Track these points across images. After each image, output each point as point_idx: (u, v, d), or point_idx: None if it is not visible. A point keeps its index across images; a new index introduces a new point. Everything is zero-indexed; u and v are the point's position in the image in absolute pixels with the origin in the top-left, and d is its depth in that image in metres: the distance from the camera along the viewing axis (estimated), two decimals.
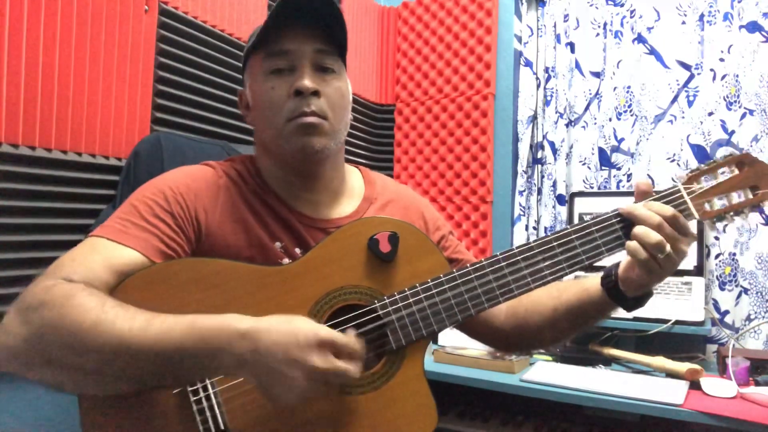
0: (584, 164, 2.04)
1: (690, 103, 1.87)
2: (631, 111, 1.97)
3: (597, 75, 2.04)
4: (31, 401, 1.19)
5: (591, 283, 0.86)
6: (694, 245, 1.74)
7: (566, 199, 2.05)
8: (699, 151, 1.83)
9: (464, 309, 0.79)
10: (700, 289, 1.68)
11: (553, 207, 2.09)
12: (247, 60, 0.91)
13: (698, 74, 1.86)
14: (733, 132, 1.77)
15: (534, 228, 2.14)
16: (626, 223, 0.80)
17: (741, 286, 1.73)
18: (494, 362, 1.57)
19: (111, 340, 0.64)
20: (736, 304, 1.73)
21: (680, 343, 1.70)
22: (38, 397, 1.19)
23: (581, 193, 1.98)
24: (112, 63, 1.30)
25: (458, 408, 1.74)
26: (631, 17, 1.97)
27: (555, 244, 0.81)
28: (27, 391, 1.18)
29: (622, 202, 0.82)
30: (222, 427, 0.72)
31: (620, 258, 0.83)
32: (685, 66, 1.89)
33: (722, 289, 1.76)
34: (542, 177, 2.14)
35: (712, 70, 1.82)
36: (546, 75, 2.16)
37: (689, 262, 1.73)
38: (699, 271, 1.73)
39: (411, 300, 0.78)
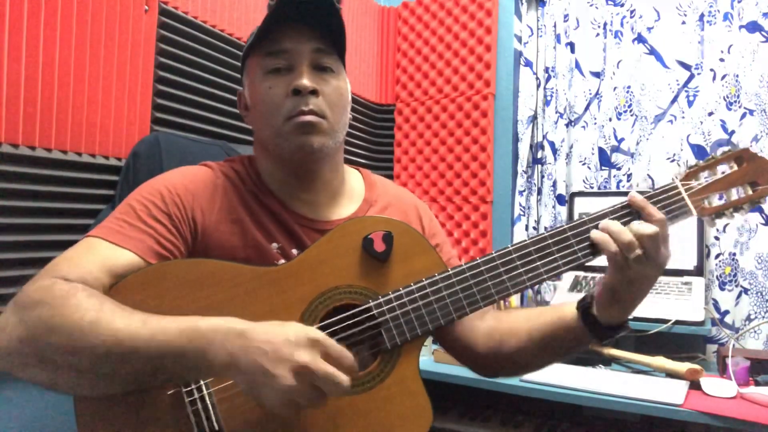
0: (584, 164, 2.04)
1: (690, 103, 1.87)
2: (631, 111, 1.97)
3: (597, 75, 2.04)
4: (28, 402, 1.19)
5: (568, 307, 0.84)
6: (694, 245, 1.74)
7: (566, 199, 2.05)
8: (699, 151, 1.83)
9: (459, 308, 0.79)
10: (700, 289, 1.68)
11: (553, 207, 2.09)
12: (245, 60, 0.91)
13: (698, 74, 1.86)
14: (733, 132, 1.77)
15: (534, 228, 2.14)
16: (624, 220, 0.79)
17: (741, 286, 1.73)
18: None
19: (107, 338, 0.64)
20: (736, 304, 1.73)
21: (680, 343, 1.70)
22: (35, 398, 1.19)
23: (581, 193, 1.98)
24: (112, 63, 1.30)
25: (458, 408, 1.74)
26: (631, 17, 1.97)
27: (551, 241, 0.80)
28: (24, 392, 1.18)
29: (622, 201, 0.81)
30: (216, 428, 0.72)
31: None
32: (685, 66, 1.89)
33: (722, 289, 1.76)
34: (542, 177, 2.14)
35: (712, 70, 1.82)
36: (546, 75, 2.16)
37: (689, 262, 1.73)
38: (699, 271, 1.73)
39: (406, 299, 0.78)
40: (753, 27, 1.76)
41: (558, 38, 2.12)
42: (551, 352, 0.88)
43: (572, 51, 2.08)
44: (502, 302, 1.57)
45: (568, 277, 1.88)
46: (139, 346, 0.64)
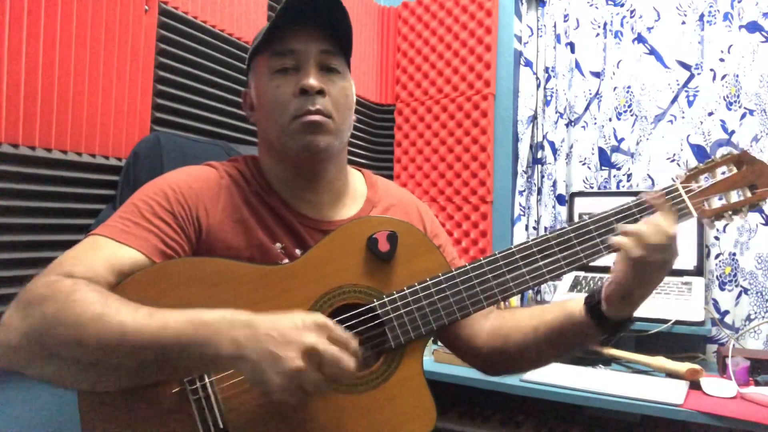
0: (584, 164, 2.04)
1: (690, 103, 1.87)
2: (631, 111, 1.97)
3: (597, 75, 2.04)
4: (31, 402, 1.19)
5: (574, 303, 0.85)
6: (694, 245, 1.74)
7: (566, 199, 2.05)
8: (699, 151, 1.83)
9: (463, 307, 0.79)
10: (700, 289, 1.68)
11: (553, 207, 2.09)
12: (251, 60, 0.91)
13: (698, 74, 1.86)
14: (733, 132, 1.77)
15: (534, 228, 2.14)
16: (625, 221, 0.79)
17: (741, 286, 1.73)
18: None
19: (112, 331, 0.64)
20: (736, 304, 1.73)
21: (680, 343, 1.70)
22: (38, 397, 1.19)
23: (581, 193, 1.98)
24: (112, 63, 1.30)
25: (458, 408, 1.74)
26: (631, 17, 1.98)
27: (554, 242, 0.81)
28: (27, 391, 1.18)
29: (622, 202, 0.82)
30: (221, 426, 0.72)
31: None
32: (685, 66, 1.89)
33: (722, 289, 1.76)
34: (542, 177, 2.14)
35: (712, 70, 1.82)
36: (546, 75, 2.16)
37: (689, 262, 1.73)
38: (699, 271, 1.73)
39: (410, 299, 0.79)
40: (753, 27, 1.76)
41: (558, 38, 2.12)
42: (557, 348, 0.88)
43: (572, 51, 2.08)
44: (502, 302, 1.57)
45: (568, 277, 1.88)
46: (144, 338, 0.65)
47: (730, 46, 1.79)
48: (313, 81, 0.82)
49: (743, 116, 1.76)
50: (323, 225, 0.89)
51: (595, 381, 1.43)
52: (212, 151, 1.36)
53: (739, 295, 1.73)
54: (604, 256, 0.81)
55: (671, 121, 1.90)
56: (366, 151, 2.31)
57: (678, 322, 1.57)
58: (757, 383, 1.41)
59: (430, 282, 0.79)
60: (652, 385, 1.39)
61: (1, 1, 1.07)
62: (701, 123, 1.83)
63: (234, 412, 0.73)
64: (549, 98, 2.15)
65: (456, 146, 2.21)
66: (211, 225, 0.83)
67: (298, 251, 0.86)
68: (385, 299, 0.78)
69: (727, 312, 1.74)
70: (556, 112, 2.11)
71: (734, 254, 1.75)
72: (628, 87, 1.97)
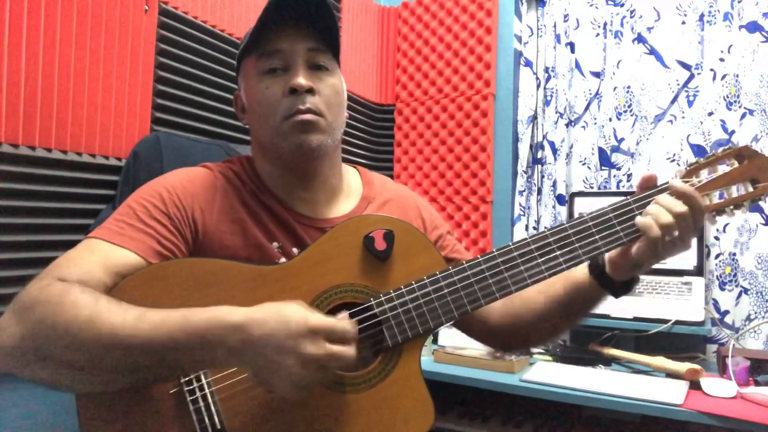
0: (584, 164, 2.04)
1: (690, 103, 1.87)
2: (631, 111, 1.97)
3: (597, 75, 2.04)
4: (30, 402, 1.19)
5: (578, 272, 0.86)
6: (694, 245, 1.73)
7: (566, 199, 2.05)
8: (699, 151, 1.83)
9: (460, 306, 0.79)
10: (700, 289, 1.68)
11: (553, 207, 2.09)
12: (240, 63, 0.91)
13: (698, 74, 1.86)
14: (733, 132, 1.77)
15: (534, 228, 2.14)
16: (624, 217, 0.80)
17: (741, 286, 1.73)
18: (494, 362, 1.57)
19: (104, 334, 0.64)
20: (736, 304, 1.73)
21: (680, 343, 1.70)
22: (37, 397, 1.19)
23: (581, 193, 1.98)
24: (112, 63, 1.30)
25: (458, 408, 1.74)
26: (631, 17, 1.97)
27: (551, 239, 0.81)
28: (26, 392, 1.18)
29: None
30: (218, 426, 0.72)
31: None
32: (685, 66, 1.88)
33: (722, 289, 1.76)
34: (542, 177, 2.14)
35: (712, 70, 1.82)
36: (546, 75, 2.16)
37: (689, 262, 1.73)
38: (699, 271, 1.73)
39: (407, 297, 0.78)
40: (753, 27, 1.76)
41: (558, 38, 2.12)
42: (568, 318, 0.90)
43: (572, 51, 2.08)
44: None
45: None
46: (135, 341, 0.64)
47: (730, 46, 1.79)
48: (301, 80, 0.82)
49: (743, 116, 1.76)
50: (320, 223, 0.89)
51: (595, 381, 1.43)
52: (212, 151, 1.36)
53: (739, 295, 1.73)
54: (604, 253, 0.81)
55: (671, 121, 1.90)
56: (366, 151, 2.31)
57: (678, 322, 1.57)
58: (757, 383, 1.41)
59: (427, 281, 0.79)
60: (652, 385, 1.39)
61: (1, 1, 1.07)
62: (701, 123, 1.83)
63: (231, 412, 0.73)
64: (549, 98, 2.15)
65: (456, 146, 2.21)
66: (207, 225, 0.83)
67: (295, 250, 0.86)
68: (382, 298, 0.78)
69: (727, 312, 1.74)
70: (556, 112, 2.11)
71: (734, 254, 1.75)
72: (628, 87, 1.97)
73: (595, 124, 2.03)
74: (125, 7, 1.32)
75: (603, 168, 2.02)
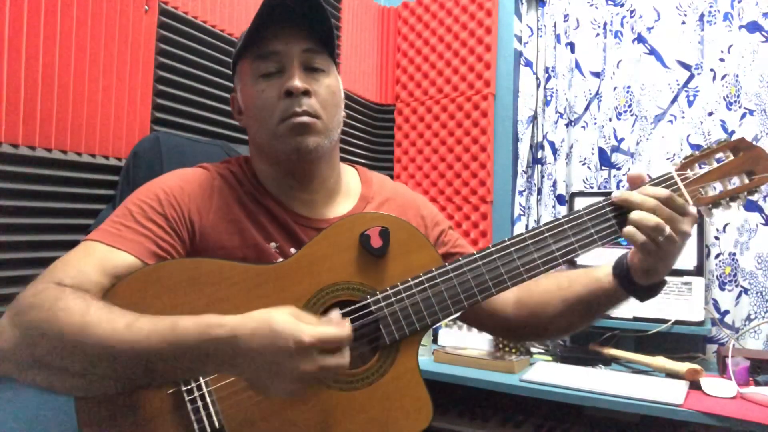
0: (584, 164, 2.04)
1: (690, 103, 1.87)
2: (631, 111, 1.97)
3: (597, 75, 2.04)
4: (31, 402, 1.19)
5: (602, 272, 0.85)
6: (694, 245, 1.74)
7: (566, 199, 2.05)
8: None
9: (457, 302, 0.79)
10: (700, 289, 1.68)
11: (553, 207, 2.09)
12: (236, 65, 0.91)
13: (698, 74, 1.86)
14: (733, 132, 1.77)
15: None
16: (620, 210, 0.80)
17: (741, 286, 1.73)
18: (494, 362, 1.57)
19: (94, 343, 0.64)
20: (736, 304, 1.73)
21: (680, 343, 1.70)
22: (38, 397, 1.19)
23: (581, 193, 1.98)
24: (112, 63, 1.30)
25: (458, 408, 1.74)
26: (631, 17, 1.97)
27: (548, 234, 0.81)
28: (27, 391, 1.18)
29: (620, 192, 0.81)
30: (217, 426, 0.72)
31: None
32: (685, 66, 1.88)
33: (722, 289, 1.76)
34: (542, 177, 2.14)
35: (712, 70, 1.82)
36: (546, 75, 2.16)
37: (689, 261, 1.73)
38: (699, 271, 1.73)
39: (403, 294, 0.78)
40: (753, 27, 1.76)
41: (558, 38, 2.12)
42: (588, 316, 0.89)
43: (572, 51, 2.08)
44: None
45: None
46: (124, 352, 0.64)
47: (730, 46, 1.79)
48: (297, 82, 0.82)
49: (743, 116, 1.76)
50: (317, 223, 0.89)
51: (595, 381, 1.43)
52: (212, 151, 1.36)
53: (739, 295, 1.73)
54: (599, 247, 0.81)
55: (671, 121, 1.90)
56: (366, 151, 2.31)
57: (678, 322, 1.57)
58: (757, 383, 1.41)
59: (423, 277, 0.79)
60: (652, 385, 1.39)
61: (1, 1, 1.07)
62: (701, 123, 1.83)
63: (230, 412, 0.73)
64: (549, 98, 2.15)
65: (456, 146, 2.21)
66: (205, 226, 0.83)
67: (293, 250, 0.86)
68: (379, 295, 0.78)
69: (727, 312, 1.74)
70: (556, 112, 2.11)
71: (734, 254, 1.75)
72: (628, 87, 1.97)
73: (595, 124, 2.03)
74: (125, 7, 1.32)
75: (603, 168, 2.02)
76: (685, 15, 1.89)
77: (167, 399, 0.72)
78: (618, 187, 1.98)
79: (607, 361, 1.63)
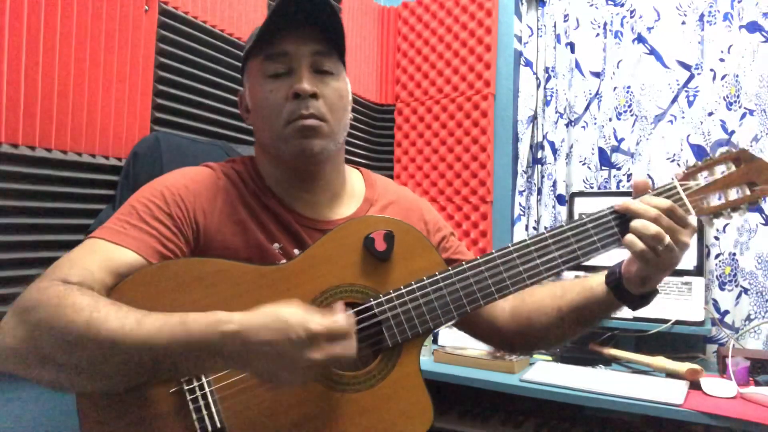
0: (584, 164, 2.04)
1: (690, 103, 1.87)
2: (631, 111, 1.97)
3: (597, 75, 2.04)
4: (31, 402, 1.19)
5: (595, 281, 0.86)
6: (695, 244, 1.74)
7: (566, 199, 2.05)
8: (699, 151, 1.83)
9: (460, 306, 0.79)
10: (700, 289, 1.68)
11: (553, 207, 2.09)
12: (245, 62, 0.91)
13: (698, 74, 1.86)
14: (733, 132, 1.77)
15: (534, 228, 2.14)
16: (622, 219, 0.80)
17: (741, 286, 1.73)
18: (494, 362, 1.57)
19: (103, 338, 0.64)
20: (736, 304, 1.73)
21: (680, 343, 1.70)
22: (38, 397, 1.19)
23: (581, 193, 1.98)
24: (112, 63, 1.30)
25: (458, 408, 1.74)
26: (631, 17, 1.97)
27: (550, 240, 0.81)
28: (27, 391, 1.18)
29: (622, 201, 0.82)
30: (218, 426, 0.72)
31: (623, 257, 0.83)
32: (685, 66, 1.89)
33: (722, 289, 1.76)
34: (542, 177, 2.14)
35: (712, 70, 1.82)
36: (546, 75, 2.16)
37: (689, 262, 1.73)
38: (699, 271, 1.73)
39: (407, 297, 0.79)
40: (753, 27, 1.76)
41: (558, 38, 2.12)
42: (581, 324, 0.90)
43: (572, 51, 2.08)
44: None
45: (567, 275, 1.88)
46: (133, 347, 0.65)
47: (730, 46, 1.79)
48: (305, 85, 0.82)
49: (743, 116, 1.76)
50: (321, 224, 0.89)
51: (595, 381, 1.43)
52: (212, 151, 1.36)
53: (739, 295, 1.73)
54: (602, 254, 0.82)
55: (671, 121, 1.90)
56: (366, 151, 2.31)
57: (678, 322, 1.57)
58: (757, 383, 1.41)
59: (426, 281, 0.79)
60: (652, 385, 1.39)
61: (1, 1, 1.07)
62: (701, 123, 1.83)
63: (231, 411, 0.73)
64: (549, 98, 2.15)
65: (456, 146, 2.21)
66: (209, 226, 0.83)
67: (296, 251, 0.86)
68: (382, 298, 0.78)
69: (727, 312, 1.74)
70: (556, 112, 2.11)
71: (734, 254, 1.75)
72: (628, 87, 1.97)
73: (595, 124, 2.03)
74: (125, 7, 1.32)
75: (603, 168, 2.02)
76: (685, 15, 1.89)
77: (169, 398, 0.72)
78: (618, 187, 1.98)
79: (607, 361, 1.63)
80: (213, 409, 0.72)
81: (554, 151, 2.10)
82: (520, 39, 2.18)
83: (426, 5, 2.30)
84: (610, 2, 2.02)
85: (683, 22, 1.89)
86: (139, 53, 1.36)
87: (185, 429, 0.72)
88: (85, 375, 0.66)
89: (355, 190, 0.96)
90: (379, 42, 2.36)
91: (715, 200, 0.82)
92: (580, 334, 0.93)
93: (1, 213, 1.10)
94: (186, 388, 0.72)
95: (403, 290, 0.79)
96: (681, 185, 0.81)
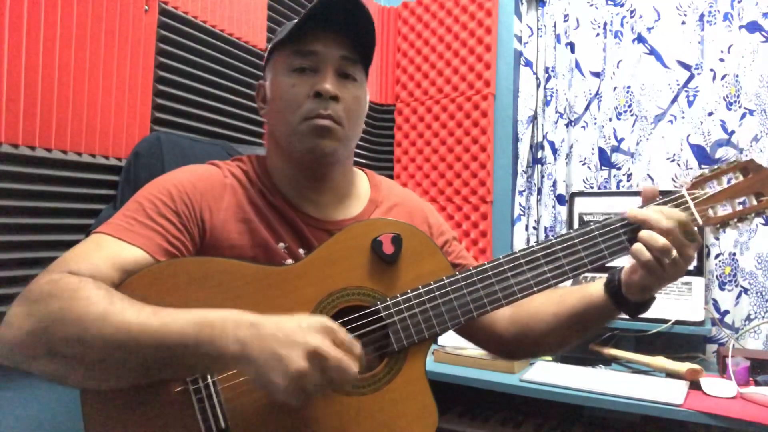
0: (584, 164, 2.04)
1: (690, 103, 1.87)
2: (631, 111, 1.97)
3: (597, 75, 2.04)
4: (33, 401, 1.19)
5: (594, 288, 0.86)
6: None
7: (566, 199, 2.05)
8: (699, 151, 1.83)
9: (467, 312, 0.79)
10: (700, 289, 1.68)
11: (553, 207, 2.09)
12: (271, 54, 0.91)
13: (698, 74, 1.86)
14: (733, 132, 1.77)
15: (534, 228, 2.14)
16: (630, 227, 0.80)
17: (741, 286, 1.73)
18: (494, 362, 1.57)
19: (117, 330, 0.64)
20: (736, 304, 1.73)
21: (680, 343, 1.70)
22: (40, 396, 1.19)
23: (581, 193, 1.98)
24: (112, 63, 1.30)
25: (458, 408, 1.74)
26: (631, 17, 1.98)
27: (558, 247, 0.81)
28: (29, 390, 1.18)
29: (622, 201, 0.82)
30: (223, 426, 0.72)
31: (623, 263, 0.83)
32: (685, 66, 1.89)
33: (722, 289, 1.76)
34: (542, 177, 2.14)
35: (712, 70, 1.82)
36: (546, 75, 2.16)
37: None
38: (699, 271, 1.73)
39: (414, 302, 0.79)
40: (753, 27, 1.76)
41: (558, 38, 2.12)
42: (579, 331, 0.90)
43: (572, 51, 2.08)
44: None
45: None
46: (149, 336, 0.65)
47: (730, 46, 1.79)
48: (329, 86, 0.83)
49: (743, 116, 1.76)
50: (327, 225, 0.89)
51: (595, 381, 1.43)
52: (212, 151, 1.36)
53: (739, 295, 1.73)
54: (609, 262, 0.82)
55: (671, 121, 1.90)
56: (366, 151, 2.31)
57: (678, 322, 1.57)
58: (757, 383, 1.41)
59: (434, 285, 0.79)
60: (652, 385, 1.39)
61: (1, 1, 1.07)
62: (701, 123, 1.83)
63: (236, 412, 0.73)
64: (549, 98, 2.15)
65: (456, 146, 2.21)
66: (215, 224, 0.83)
67: (301, 251, 0.86)
68: (389, 302, 0.78)
69: (727, 312, 1.74)
70: (556, 112, 2.11)
71: (734, 254, 1.75)
72: (628, 87, 1.97)
73: (595, 124, 2.03)
74: (125, 7, 1.32)
75: (603, 168, 2.02)
76: (685, 15, 1.89)
77: (174, 398, 0.72)
78: (618, 187, 1.98)
79: (607, 361, 1.63)
80: (218, 409, 0.72)
81: (554, 151, 2.10)
82: (520, 39, 2.18)
83: (426, 5, 2.30)
84: (610, 2, 2.02)
85: (683, 22, 1.89)
86: (139, 53, 1.36)
87: (190, 428, 0.71)
88: (94, 368, 0.66)
89: (360, 192, 0.96)
90: (379, 42, 2.35)
91: (721, 210, 0.82)
92: (578, 341, 0.92)
93: (1, 213, 1.10)
94: (192, 387, 0.72)
95: (411, 294, 0.79)
96: (689, 194, 0.81)
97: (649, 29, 1.94)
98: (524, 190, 2.14)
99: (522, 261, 0.81)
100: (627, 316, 0.85)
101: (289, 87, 0.85)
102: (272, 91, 0.89)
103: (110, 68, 1.30)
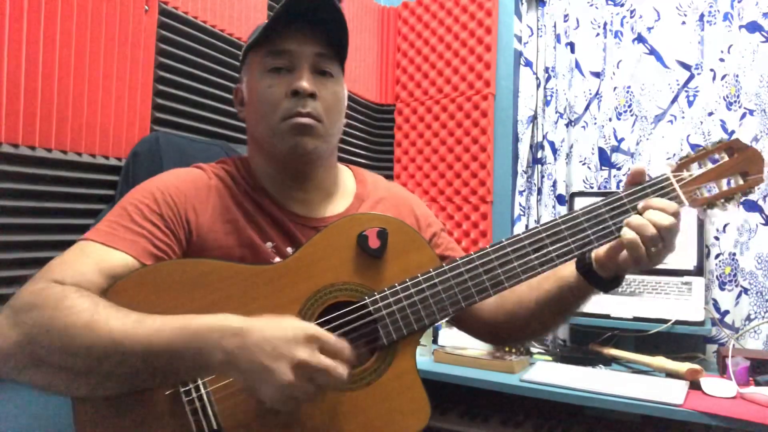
0: (584, 164, 2.04)
1: (690, 103, 1.87)
2: (631, 111, 1.97)
3: (597, 75, 2.04)
4: (27, 403, 1.18)
5: (566, 270, 0.87)
6: (694, 245, 1.74)
7: (566, 199, 2.05)
8: None
9: (455, 302, 0.79)
10: (700, 289, 1.68)
11: (553, 207, 2.09)
12: (246, 56, 0.91)
13: (698, 74, 1.86)
14: (733, 132, 1.77)
15: None
16: (615, 212, 0.80)
17: (741, 286, 1.73)
18: (494, 362, 1.57)
19: (103, 339, 0.64)
20: (736, 304, 1.73)
21: (680, 343, 1.70)
22: (33, 398, 1.19)
23: (581, 193, 1.98)
24: (112, 63, 1.30)
25: (458, 408, 1.74)
26: (631, 17, 1.97)
27: (544, 234, 0.81)
28: (22, 392, 1.18)
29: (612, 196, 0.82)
30: (215, 427, 0.72)
31: None
32: (685, 66, 1.88)
33: (722, 289, 1.76)
34: (542, 177, 2.14)
35: (712, 70, 1.82)
36: (546, 75, 2.16)
37: (689, 262, 1.73)
38: (699, 271, 1.73)
39: (401, 294, 0.79)
40: (753, 27, 1.76)
41: (558, 38, 2.12)
42: (559, 314, 0.91)
43: (572, 51, 2.08)
44: None
45: None
46: (134, 346, 0.64)
47: (730, 46, 1.79)
48: (305, 83, 0.83)
49: (743, 116, 1.76)
50: (314, 222, 0.89)
51: (595, 381, 1.43)
52: (212, 151, 1.36)
53: (739, 295, 1.73)
54: (596, 247, 0.82)
55: (671, 121, 1.90)
56: (366, 151, 2.31)
57: (678, 322, 1.57)
58: (757, 383, 1.41)
59: (421, 278, 0.79)
60: (652, 385, 1.39)
61: (1, 1, 1.07)
62: (701, 123, 1.83)
63: (228, 413, 0.73)
64: (549, 98, 2.15)
65: (456, 146, 2.21)
66: (201, 226, 0.83)
67: (289, 249, 0.86)
68: (377, 296, 0.78)
69: (727, 312, 1.74)
70: (556, 112, 2.11)
71: (734, 254, 1.75)
72: (628, 87, 1.97)
73: (595, 124, 2.03)
74: (125, 7, 1.32)
75: (603, 168, 2.02)
76: (685, 15, 1.89)
77: (165, 400, 0.72)
78: (618, 187, 1.98)
79: (607, 361, 1.63)
80: (210, 411, 0.72)
81: (554, 151, 2.10)
82: (520, 39, 2.18)
83: (426, 5, 2.29)
84: (610, 2, 2.02)
85: (683, 22, 1.89)
86: (139, 53, 1.36)
87: (182, 430, 0.71)
88: (80, 378, 0.66)
89: (346, 188, 0.96)
90: (379, 42, 2.36)
91: (708, 191, 0.82)
92: (560, 324, 0.94)
93: (1, 213, 1.10)
94: (182, 389, 0.72)
95: (398, 287, 0.79)
96: (674, 176, 0.81)
97: (649, 29, 1.94)
98: (524, 190, 2.14)
99: (509, 249, 0.81)
100: (603, 293, 0.86)
101: (266, 88, 0.85)
102: (249, 94, 0.89)
103: (110, 68, 1.30)
